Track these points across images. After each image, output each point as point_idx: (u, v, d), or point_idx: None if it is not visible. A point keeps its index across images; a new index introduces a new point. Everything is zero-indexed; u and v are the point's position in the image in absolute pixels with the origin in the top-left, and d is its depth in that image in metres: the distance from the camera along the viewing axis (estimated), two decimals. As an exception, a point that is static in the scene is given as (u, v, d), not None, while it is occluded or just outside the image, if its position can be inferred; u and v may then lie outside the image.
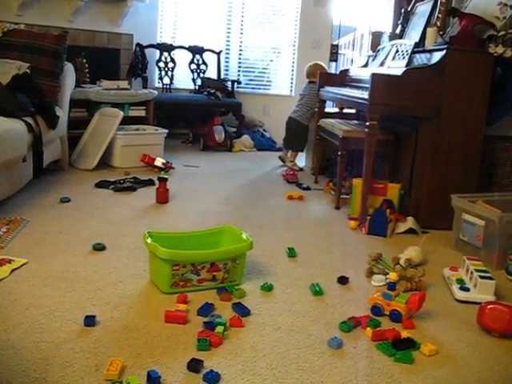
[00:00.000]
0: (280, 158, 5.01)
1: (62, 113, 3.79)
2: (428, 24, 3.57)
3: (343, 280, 2.25)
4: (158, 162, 4.19)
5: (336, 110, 4.91)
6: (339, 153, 3.46)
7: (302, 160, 5.10)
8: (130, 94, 4.81)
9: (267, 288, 2.11)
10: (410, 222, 3.04)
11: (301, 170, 4.78)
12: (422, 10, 3.80)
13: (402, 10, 4.15)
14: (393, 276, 2.04)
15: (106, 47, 5.53)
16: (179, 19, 6.28)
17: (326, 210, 3.48)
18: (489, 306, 1.88)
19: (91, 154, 4.16)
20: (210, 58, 6.28)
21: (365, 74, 3.77)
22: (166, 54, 6.08)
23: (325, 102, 4.50)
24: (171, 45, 6.12)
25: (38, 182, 3.39)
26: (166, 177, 3.37)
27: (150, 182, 3.77)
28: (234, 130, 5.98)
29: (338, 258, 2.57)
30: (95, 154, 4.12)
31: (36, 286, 2.00)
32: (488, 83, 3.05)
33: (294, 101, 5.67)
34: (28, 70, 3.51)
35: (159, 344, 1.65)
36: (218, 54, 6.31)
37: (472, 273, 2.21)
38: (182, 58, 6.17)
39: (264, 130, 6.27)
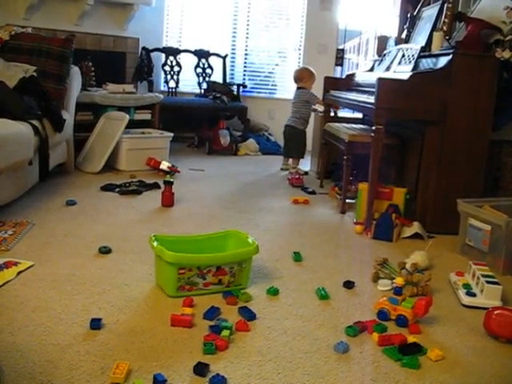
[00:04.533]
0: (282, 169, 4.95)
1: (68, 116, 3.81)
2: (434, 28, 3.57)
3: (349, 284, 2.24)
4: (164, 165, 4.20)
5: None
6: (345, 157, 3.46)
7: (307, 164, 5.10)
8: (136, 98, 4.83)
9: (273, 292, 2.11)
10: (415, 227, 3.03)
11: (306, 173, 4.77)
12: (428, 14, 3.80)
13: (408, 15, 4.15)
14: (399, 281, 2.03)
15: (112, 51, 5.55)
16: (185, 23, 6.30)
17: (332, 215, 3.48)
18: (495, 312, 1.87)
19: (97, 157, 4.17)
20: (215, 61, 6.29)
21: (371, 79, 3.77)
22: (171, 57, 6.10)
23: (330, 106, 4.50)
24: (177, 49, 6.14)
25: (44, 184, 3.40)
26: (171, 180, 3.37)
27: (156, 186, 3.77)
28: (239, 133, 5.98)
29: (344, 263, 2.57)
30: (101, 157, 4.13)
31: (42, 288, 2.00)
32: (494, 88, 3.04)
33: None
34: (35, 74, 3.52)
35: (165, 348, 1.64)
36: (224, 57, 6.32)
37: (478, 278, 2.20)
38: (188, 61, 6.19)
39: (269, 134, 6.27)
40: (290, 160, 4.98)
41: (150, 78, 5.79)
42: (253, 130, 6.19)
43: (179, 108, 5.68)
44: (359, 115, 4.54)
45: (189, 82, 6.29)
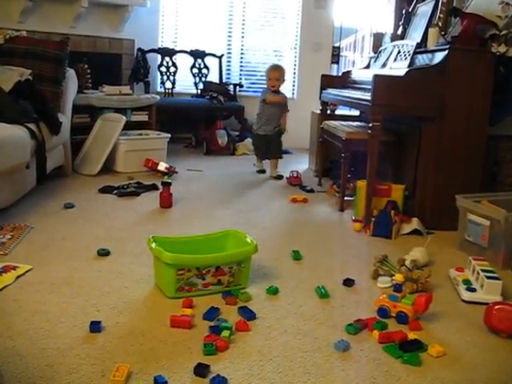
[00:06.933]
0: (259, 171, 4.71)
1: (65, 119, 3.80)
2: (429, 24, 3.57)
3: (349, 282, 2.24)
4: (162, 166, 4.19)
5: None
6: (342, 155, 3.46)
7: (305, 163, 5.10)
8: (133, 99, 4.81)
9: (273, 291, 2.10)
10: (414, 223, 3.03)
11: (281, 177, 4.48)
12: (423, 10, 3.80)
13: (403, 11, 4.15)
14: (399, 277, 2.03)
15: (107, 52, 5.54)
16: (180, 24, 6.29)
17: (330, 213, 3.47)
18: (496, 307, 1.87)
19: (94, 160, 4.16)
20: (211, 61, 6.29)
21: (367, 76, 3.76)
22: (167, 58, 6.09)
23: (327, 104, 4.49)
24: (173, 49, 6.13)
25: (42, 188, 3.39)
26: (169, 181, 3.37)
27: (154, 187, 3.76)
28: (236, 133, 5.97)
29: (344, 261, 2.56)
30: (98, 160, 4.12)
31: (41, 292, 2.00)
32: (491, 83, 3.04)
33: (295, 104, 5.68)
34: (30, 77, 3.51)
35: (165, 349, 1.64)
36: (220, 57, 6.31)
37: (478, 273, 2.19)
38: (184, 62, 6.18)
39: (267, 133, 6.25)
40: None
41: (146, 79, 5.79)
42: (250, 130, 6.17)
43: (176, 109, 5.68)
44: (356, 112, 4.53)
45: (185, 83, 6.28)
